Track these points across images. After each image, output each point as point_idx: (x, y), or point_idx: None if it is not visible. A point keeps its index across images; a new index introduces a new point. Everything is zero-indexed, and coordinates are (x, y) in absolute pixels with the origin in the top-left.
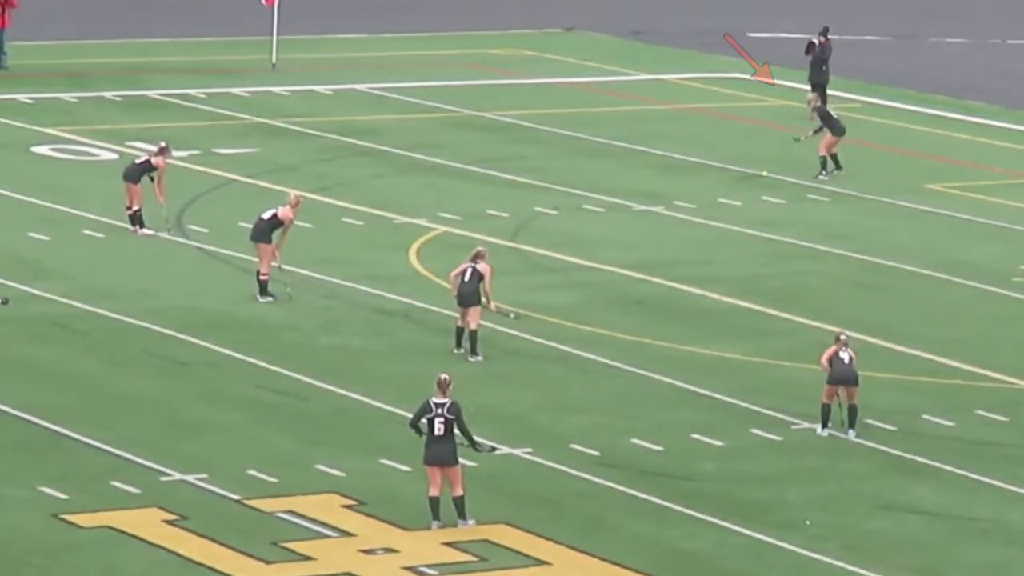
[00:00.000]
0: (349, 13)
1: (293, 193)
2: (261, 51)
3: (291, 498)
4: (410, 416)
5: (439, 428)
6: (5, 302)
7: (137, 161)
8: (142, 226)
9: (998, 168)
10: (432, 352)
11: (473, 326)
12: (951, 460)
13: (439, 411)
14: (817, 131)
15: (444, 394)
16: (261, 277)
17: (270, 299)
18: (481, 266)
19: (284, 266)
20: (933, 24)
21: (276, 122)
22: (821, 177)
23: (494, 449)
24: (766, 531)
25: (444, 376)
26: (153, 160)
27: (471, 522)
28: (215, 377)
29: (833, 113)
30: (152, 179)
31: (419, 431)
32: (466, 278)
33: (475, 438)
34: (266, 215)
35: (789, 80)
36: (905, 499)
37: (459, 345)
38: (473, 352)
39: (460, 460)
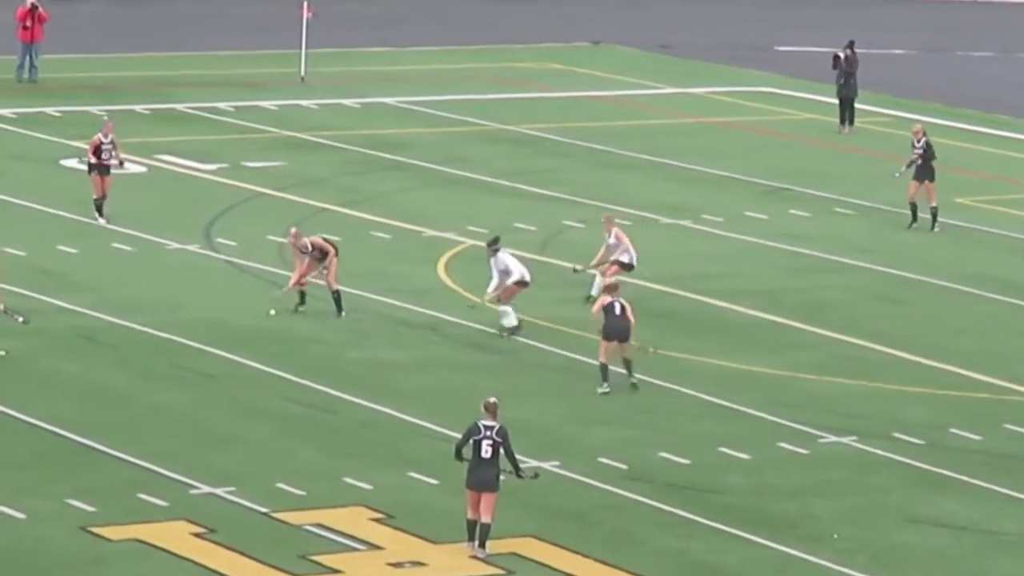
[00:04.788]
0: (378, 27)
1: None
2: (290, 64)
3: (319, 511)
4: (437, 428)
5: (486, 451)
6: (26, 322)
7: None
8: (101, 214)
9: None
10: (460, 365)
11: (605, 359)
12: (979, 474)
13: (488, 433)
14: (911, 165)
15: (493, 417)
16: None
17: None
18: (622, 299)
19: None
20: (961, 38)
21: (304, 135)
22: (913, 226)
23: (537, 475)
24: (793, 545)
25: (492, 399)
26: (92, 142)
27: (486, 551)
28: (243, 390)
29: (934, 155)
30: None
31: (461, 457)
32: (616, 311)
33: (519, 464)
34: None
35: (817, 94)
36: (932, 513)
37: (606, 376)
38: (631, 374)
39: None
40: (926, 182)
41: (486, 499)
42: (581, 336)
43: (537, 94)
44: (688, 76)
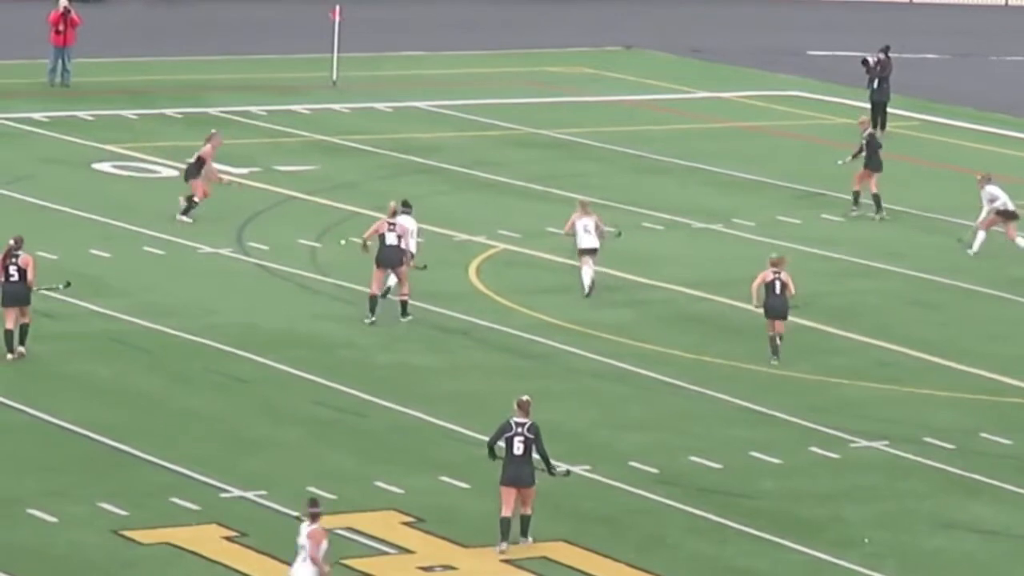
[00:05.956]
0: (409, 31)
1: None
2: (322, 69)
3: (350, 515)
4: (469, 433)
5: (519, 448)
6: (67, 285)
7: (192, 160)
8: (186, 213)
9: None
10: (491, 370)
11: (774, 332)
12: (1010, 478)
13: (519, 430)
14: (856, 155)
15: (525, 414)
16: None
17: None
18: (785, 275)
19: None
20: (992, 42)
21: (336, 139)
22: (852, 212)
23: (569, 472)
24: (824, 549)
25: (525, 397)
26: (202, 152)
27: (530, 540)
28: (274, 394)
29: (880, 144)
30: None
31: (493, 455)
32: (776, 290)
33: (551, 461)
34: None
35: (849, 99)
36: (964, 518)
37: (775, 353)
38: (775, 355)
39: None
40: (866, 170)
41: (525, 493)
42: (612, 340)
43: (569, 98)
44: (720, 80)
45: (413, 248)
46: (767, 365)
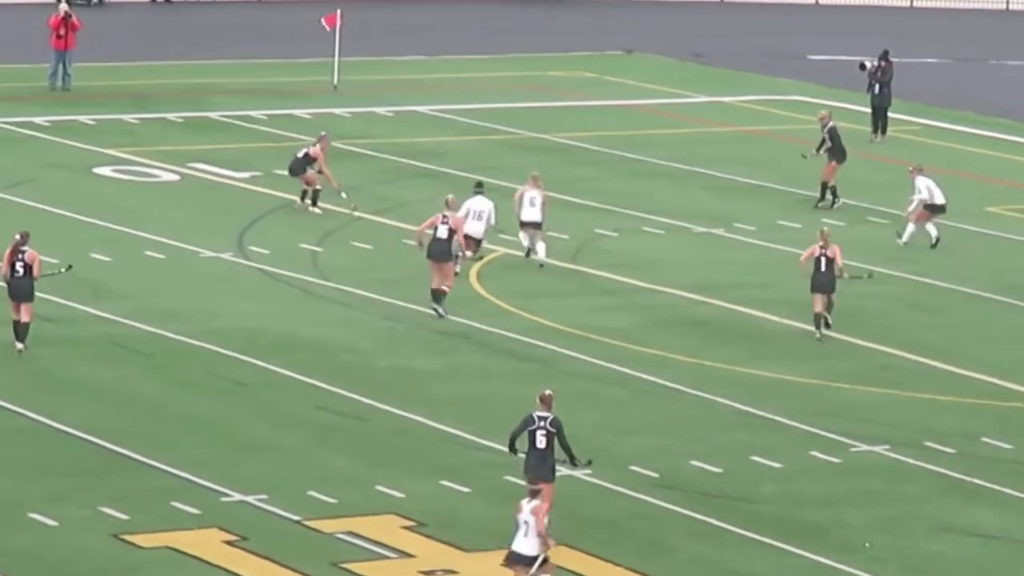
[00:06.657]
0: (410, 35)
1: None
2: (323, 73)
3: (351, 519)
4: (470, 437)
5: (541, 441)
6: (69, 268)
7: (299, 155)
8: (315, 204)
9: None
10: (492, 373)
11: (819, 309)
12: (1011, 483)
13: (542, 424)
14: (819, 148)
15: (548, 409)
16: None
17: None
18: (831, 250)
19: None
20: (993, 47)
21: (337, 144)
22: (837, 205)
23: (590, 462)
24: (825, 553)
25: (548, 392)
26: (311, 151)
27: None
28: (276, 398)
29: (841, 137)
30: (314, 169)
31: (514, 449)
32: (822, 268)
33: (574, 453)
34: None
35: (849, 103)
36: (964, 522)
37: (819, 327)
38: (827, 326)
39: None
40: (834, 163)
41: (544, 489)
42: (613, 344)
43: (569, 103)
44: (720, 85)
45: (492, 222)
46: (767, 369)
